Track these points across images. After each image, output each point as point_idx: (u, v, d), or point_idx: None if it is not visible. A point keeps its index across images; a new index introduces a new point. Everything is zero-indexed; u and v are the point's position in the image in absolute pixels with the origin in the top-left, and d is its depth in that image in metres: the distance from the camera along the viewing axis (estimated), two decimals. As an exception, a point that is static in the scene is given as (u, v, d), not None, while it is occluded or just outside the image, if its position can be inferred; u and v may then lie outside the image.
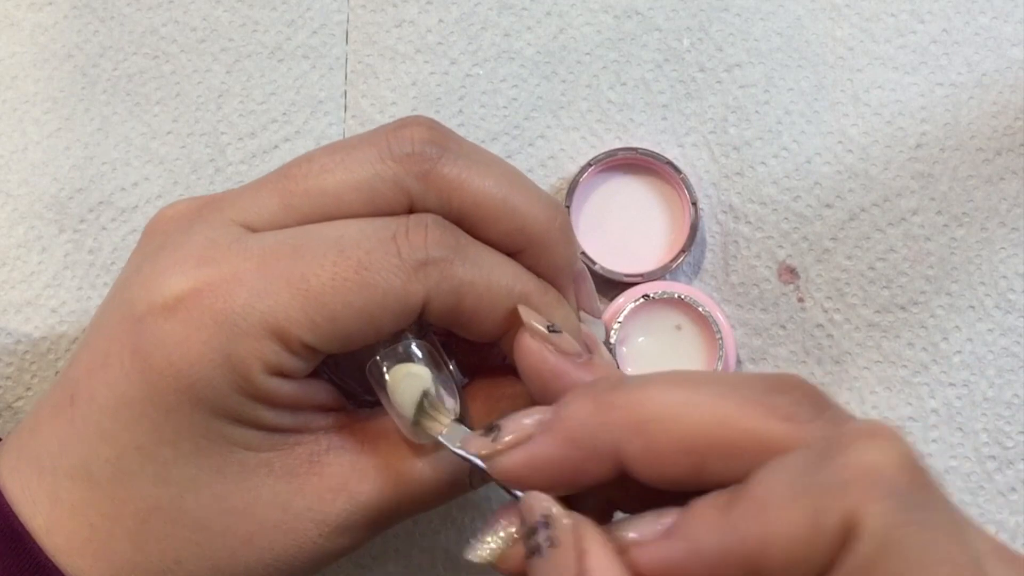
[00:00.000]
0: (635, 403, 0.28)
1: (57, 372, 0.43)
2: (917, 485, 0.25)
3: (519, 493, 0.29)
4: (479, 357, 0.36)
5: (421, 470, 0.33)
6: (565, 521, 0.28)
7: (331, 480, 0.33)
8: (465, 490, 0.34)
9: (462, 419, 0.33)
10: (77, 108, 0.44)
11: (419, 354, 0.33)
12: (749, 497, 0.26)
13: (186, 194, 0.44)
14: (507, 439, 0.29)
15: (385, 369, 0.32)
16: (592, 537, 0.27)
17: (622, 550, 0.27)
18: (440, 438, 0.32)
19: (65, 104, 0.44)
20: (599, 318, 0.37)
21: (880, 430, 0.25)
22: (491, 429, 0.30)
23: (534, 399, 0.33)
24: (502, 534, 0.29)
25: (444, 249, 0.32)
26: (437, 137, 0.33)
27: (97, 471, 0.32)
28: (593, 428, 0.28)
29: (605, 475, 0.28)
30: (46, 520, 0.32)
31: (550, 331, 0.32)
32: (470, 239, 0.33)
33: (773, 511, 0.25)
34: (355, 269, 0.31)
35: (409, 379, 0.32)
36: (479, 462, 0.30)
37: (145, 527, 0.32)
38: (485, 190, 0.33)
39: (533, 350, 0.32)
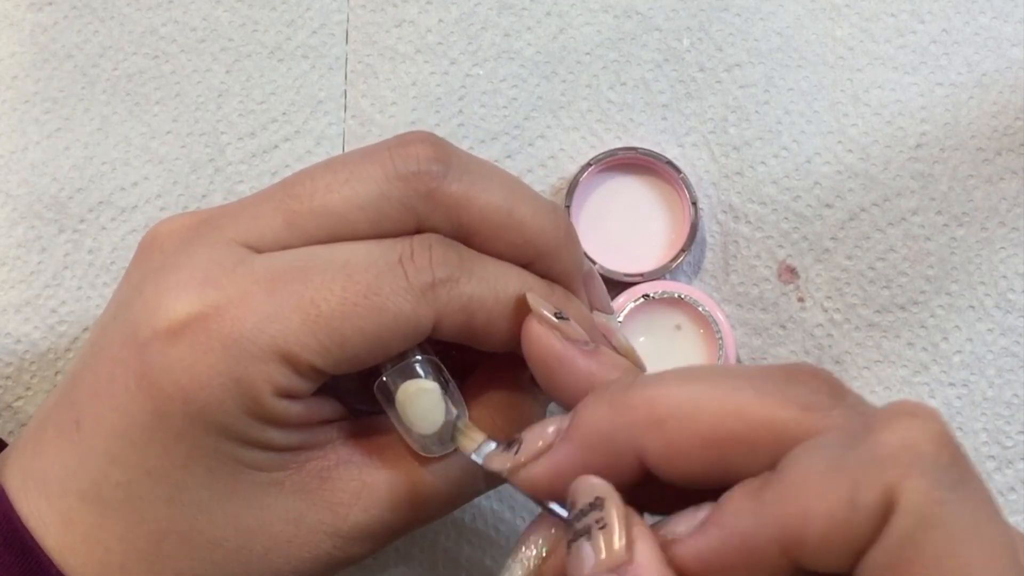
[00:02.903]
0: (651, 401, 0.28)
1: (57, 372, 0.43)
2: (955, 463, 0.25)
3: (553, 505, 0.29)
4: (472, 363, 0.36)
5: (431, 479, 0.33)
6: (618, 504, 0.27)
7: (342, 494, 0.33)
8: (476, 495, 0.35)
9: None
10: (77, 108, 0.44)
11: (427, 369, 0.33)
12: (782, 479, 0.25)
13: (186, 194, 0.44)
14: (528, 452, 0.29)
15: (394, 387, 0.32)
16: (640, 524, 0.27)
17: (662, 545, 0.27)
18: (473, 456, 0.32)
19: (65, 104, 0.44)
20: (612, 314, 0.37)
21: (917, 409, 0.25)
22: (511, 443, 0.30)
23: (541, 388, 0.33)
24: (532, 551, 0.29)
25: (449, 268, 0.31)
26: (440, 154, 0.32)
27: (108, 495, 0.31)
28: (611, 431, 0.28)
29: (629, 477, 0.28)
30: (58, 542, 0.32)
31: (557, 318, 0.32)
32: (473, 253, 0.33)
33: (809, 490, 0.25)
34: (364, 294, 0.31)
35: (421, 395, 0.32)
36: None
37: (160, 549, 0.32)
38: (491, 205, 0.33)
39: (540, 337, 0.32)
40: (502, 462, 0.30)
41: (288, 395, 0.31)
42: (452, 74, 0.45)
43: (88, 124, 0.44)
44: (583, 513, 0.27)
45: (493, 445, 0.31)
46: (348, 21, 0.45)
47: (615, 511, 0.27)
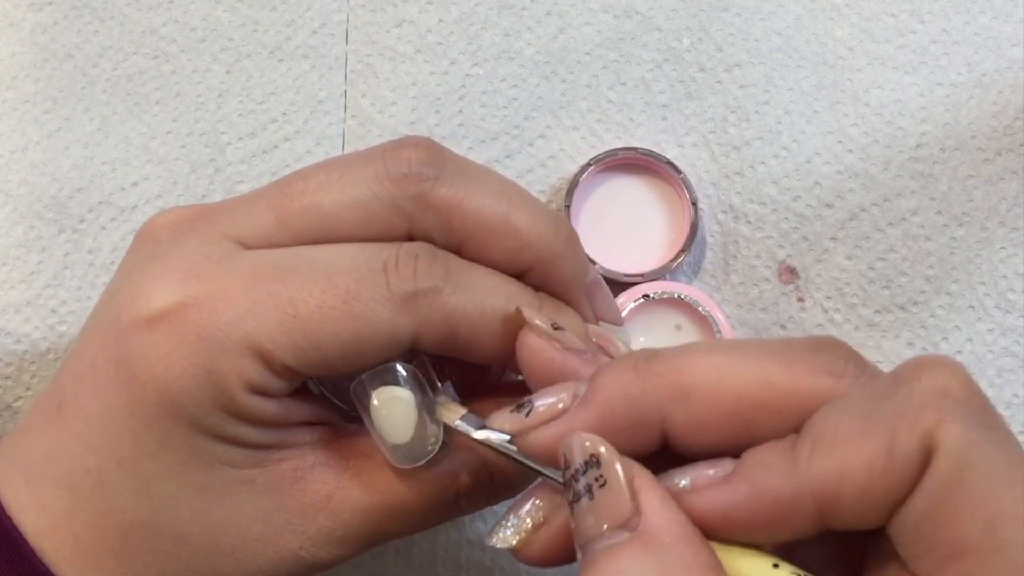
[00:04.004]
0: (677, 369, 0.27)
1: (57, 372, 0.43)
2: (985, 408, 0.25)
3: (552, 473, 0.28)
4: (475, 377, 0.35)
5: (405, 491, 0.33)
6: (616, 458, 0.27)
7: (313, 496, 0.32)
8: (451, 516, 0.34)
9: (446, 444, 0.32)
10: (77, 108, 0.44)
11: (404, 376, 0.32)
12: (815, 437, 0.25)
13: (186, 193, 0.44)
14: (540, 413, 0.28)
15: (370, 392, 0.32)
16: (645, 475, 0.27)
17: (675, 497, 0.26)
18: (457, 423, 0.31)
19: (65, 104, 0.44)
20: (620, 325, 0.36)
21: (943, 359, 0.26)
22: (522, 406, 0.29)
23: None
24: (528, 518, 0.29)
25: (433, 279, 0.31)
26: (434, 158, 0.32)
27: (80, 482, 0.31)
28: (634, 397, 0.27)
29: (644, 447, 0.28)
30: (33, 527, 0.32)
31: (554, 329, 0.32)
32: (463, 263, 0.32)
33: (845, 445, 0.25)
34: (343, 298, 0.30)
35: (394, 403, 0.32)
36: (504, 445, 0.29)
37: (127, 539, 0.32)
38: (485, 210, 0.32)
39: (538, 348, 0.31)
40: (508, 424, 0.29)
41: (261, 392, 0.31)
42: (452, 74, 0.45)
43: (88, 124, 0.44)
44: (580, 472, 0.27)
45: (475, 418, 0.31)
46: (348, 21, 0.45)
47: (615, 465, 0.26)
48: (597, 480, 0.26)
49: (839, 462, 0.25)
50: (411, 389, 0.32)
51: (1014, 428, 0.42)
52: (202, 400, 0.30)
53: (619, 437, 0.27)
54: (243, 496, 0.32)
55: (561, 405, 0.28)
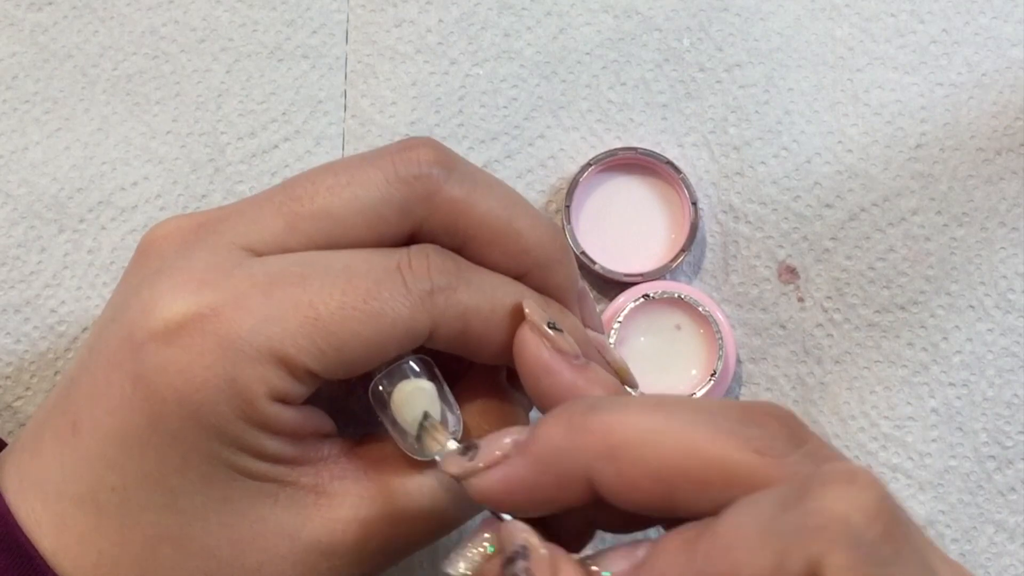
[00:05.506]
0: (607, 428, 0.28)
1: (57, 372, 0.43)
2: (889, 537, 0.24)
3: (504, 516, 0.29)
4: (464, 373, 0.36)
5: (430, 496, 0.33)
6: (542, 552, 0.28)
7: (339, 511, 0.32)
8: (476, 512, 0.34)
9: (462, 432, 0.33)
10: (77, 108, 0.44)
11: (422, 369, 0.33)
12: (716, 535, 0.25)
13: (185, 193, 0.44)
14: (482, 460, 0.29)
15: (389, 388, 0.32)
16: (567, 570, 0.27)
17: None
18: (437, 457, 0.32)
19: (65, 104, 0.44)
20: (603, 333, 0.37)
21: (857, 475, 0.25)
22: (468, 448, 0.30)
23: (529, 396, 0.33)
24: (479, 549, 0.29)
25: (447, 276, 0.32)
26: (443, 159, 0.33)
27: (104, 499, 0.31)
28: (565, 452, 0.28)
29: (580, 498, 0.28)
30: (52, 544, 0.32)
31: (551, 328, 0.32)
32: (470, 264, 0.33)
33: (738, 552, 0.25)
34: (363, 299, 0.31)
35: (416, 393, 0.32)
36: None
37: (153, 555, 0.31)
38: (490, 212, 0.33)
39: (530, 344, 0.32)
40: (455, 466, 0.30)
41: (282, 399, 0.31)
42: (452, 74, 0.45)
43: (88, 124, 0.44)
44: (511, 560, 0.28)
45: (455, 447, 0.31)
46: (348, 21, 0.45)
47: (540, 560, 0.28)
48: (526, 571, 0.27)
49: (729, 568, 0.25)
50: (430, 379, 0.33)
51: (1014, 428, 0.42)
52: (225, 410, 0.30)
53: (551, 490, 0.28)
54: (267, 510, 0.32)
55: (500, 452, 0.29)
